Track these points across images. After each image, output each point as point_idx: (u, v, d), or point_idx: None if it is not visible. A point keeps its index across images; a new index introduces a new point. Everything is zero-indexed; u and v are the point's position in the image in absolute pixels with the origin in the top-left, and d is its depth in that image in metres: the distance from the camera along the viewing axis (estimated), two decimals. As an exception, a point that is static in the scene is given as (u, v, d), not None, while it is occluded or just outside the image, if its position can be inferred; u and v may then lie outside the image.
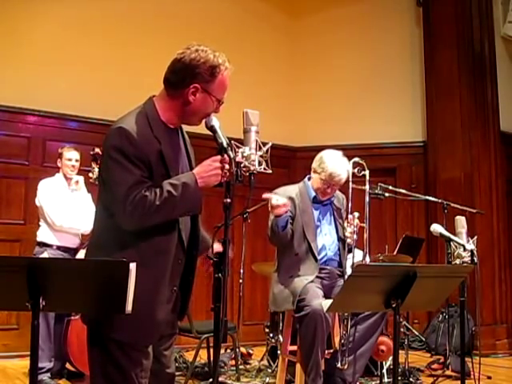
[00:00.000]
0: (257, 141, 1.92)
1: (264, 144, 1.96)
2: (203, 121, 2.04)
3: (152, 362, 2.00)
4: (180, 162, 2.05)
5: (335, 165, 3.55)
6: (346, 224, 3.60)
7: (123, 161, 1.87)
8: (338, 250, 3.66)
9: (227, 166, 1.92)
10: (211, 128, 1.99)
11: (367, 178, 3.75)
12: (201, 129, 2.14)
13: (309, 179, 3.73)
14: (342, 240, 3.66)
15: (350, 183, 3.68)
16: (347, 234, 3.56)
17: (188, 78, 1.96)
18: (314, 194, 3.66)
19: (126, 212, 1.86)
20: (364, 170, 3.75)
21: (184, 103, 1.99)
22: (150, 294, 1.91)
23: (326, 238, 3.64)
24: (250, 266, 4.95)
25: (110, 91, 5.62)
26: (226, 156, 1.93)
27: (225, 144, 1.92)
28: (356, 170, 3.72)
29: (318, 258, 3.55)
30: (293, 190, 3.67)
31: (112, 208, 1.93)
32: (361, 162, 3.74)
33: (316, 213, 3.66)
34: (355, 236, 3.56)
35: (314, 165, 3.65)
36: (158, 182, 1.92)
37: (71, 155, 4.38)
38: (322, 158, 3.62)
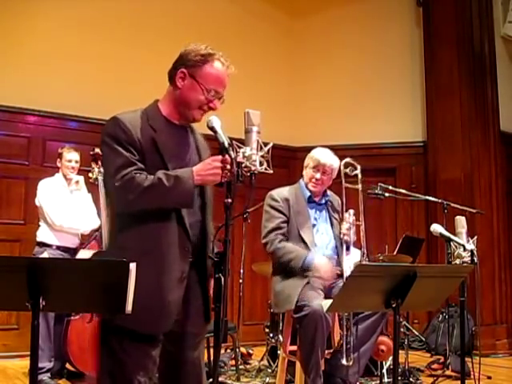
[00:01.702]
0: (258, 141, 1.92)
1: (265, 144, 1.95)
2: (205, 121, 2.05)
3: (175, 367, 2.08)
4: (185, 158, 2.06)
5: (322, 153, 3.63)
6: (342, 224, 3.61)
7: (114, 145, 1.97)
8: (336, 248, 3.66)
9: (228, 166, 1.93)
10: (212, 128, 1.99)
11: (359, 177, 3.78)
12: (203, 129, 2.15)
13: (303, 179, 3.74)
14: (339, 239, 3.66)
15: (343, 183, 3.70)
16: (343, 230, 3.56)
17: (178, 65, 2.07)
18: (308, 193, 3.65)
19: (114, 189, 1.95)
20: (355, 169, 3.77)
21: (174, 89, 2.08)
22: (151, 282, 1.94)
23: (322, 237, 3.64)
24: (250, 266, 4.94)
25: (111, 91, 5.62)
26: (227, 156, 1.93)
27: (226, 144, 1.92)
28: (348, 170, 3.74)
29: None
30: (287, 191, 3.67)
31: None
32: (351, 161, 3.77)
33: (312, 212, 3.66)
34: (352, 234, 3.57)
35: (305, 161, 3.72)
36: (152, 170, 1.97)
37: (71, 156, 4.38)
38: (311, 152, 3.70)
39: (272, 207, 3.59)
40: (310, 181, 3.64)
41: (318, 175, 3.60)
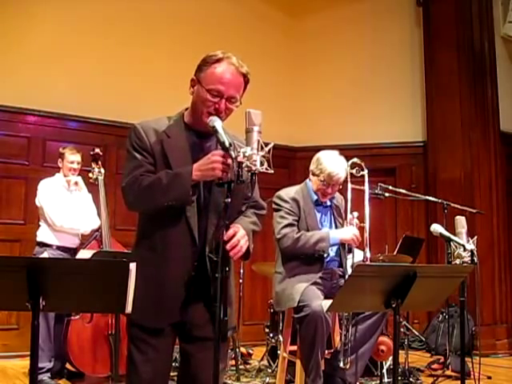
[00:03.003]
0: (259, 141, 1.91)
1: (266, 144, 1.95)
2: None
3: (184, 363, 2.13)
4: (193, 162, 2.03)
5: (333, 164, 3.55)
6: (345, 225, 3.62)
7: (130, 150, 2.08)
8: (339, 250, 3.66)
9: (229, 161, 1.92)
10: (213, 128, 1.99)
11: (366, 178, 3.76)
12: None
13: (310, 181, 3.73)
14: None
15: (349, 184, 3.68)
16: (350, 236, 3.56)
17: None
18: (315, 197, 3.66)
19: (123, 189, 2.05)
20: (362, 170, 3.76)
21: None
22: (154, 277, 2.02)
23: None
24: (250, 266, 4.94)
25: (110, 91, 5.60)
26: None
27: (227, 144, 1.92)
28: (354, 171, 3.73)
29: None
30: (295, 191, 3.67)
31: None
32: (359, 162, 3.75)
33: (318, 215, 3.67)
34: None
35: (312, 167, 3.65)
36: (160, 171, 2.04)
37: (74, 158, 4.38)
38: (319, 159, 3.61)
39: (283, 207, 3.60)
40: (319, 191, 3.63)
41: (329, 190, 3.60)
